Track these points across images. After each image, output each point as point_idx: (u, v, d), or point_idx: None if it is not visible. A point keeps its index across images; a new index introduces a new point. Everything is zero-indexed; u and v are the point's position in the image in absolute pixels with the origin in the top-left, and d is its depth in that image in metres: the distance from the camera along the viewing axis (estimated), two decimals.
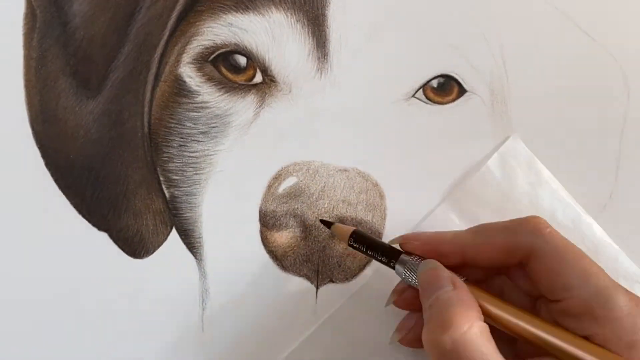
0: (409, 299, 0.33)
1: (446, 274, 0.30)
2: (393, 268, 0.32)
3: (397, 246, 0.33)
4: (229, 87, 0.35)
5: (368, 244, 0.33)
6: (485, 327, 0.28)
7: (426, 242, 0.32)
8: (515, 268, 0.31)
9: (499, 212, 0.35)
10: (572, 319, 0.29)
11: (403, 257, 0.32)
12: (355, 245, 0.33)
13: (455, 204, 0.36)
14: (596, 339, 0.28)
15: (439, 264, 0.31)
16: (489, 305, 0.30)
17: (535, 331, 0.29)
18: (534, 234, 0.30)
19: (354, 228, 0.34)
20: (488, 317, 0.29)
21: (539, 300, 0.31)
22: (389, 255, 0.32)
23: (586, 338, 0.29)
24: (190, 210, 0.36)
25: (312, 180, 0.36)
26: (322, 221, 0.35)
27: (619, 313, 0.28)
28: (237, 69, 0.35)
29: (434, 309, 0.29)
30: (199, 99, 0.35)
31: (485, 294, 0.30)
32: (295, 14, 0.35)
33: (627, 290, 0.29)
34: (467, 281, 0.30)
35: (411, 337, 0.33)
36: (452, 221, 0.36)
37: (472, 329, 0.27)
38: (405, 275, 0.32)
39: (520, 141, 0.36)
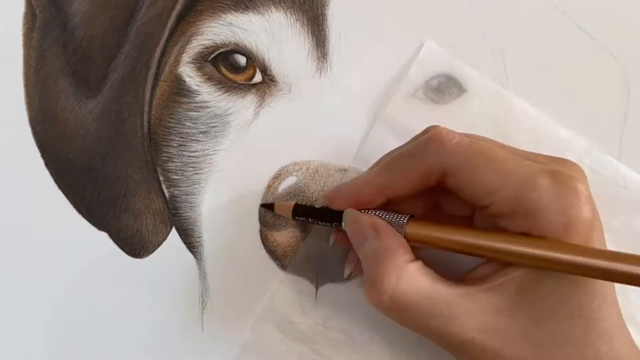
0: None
1: (365, 222, 0.29)
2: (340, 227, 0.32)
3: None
4: (228, 86, 0.35)
5: (311, 214, 0.33)
6: (415, 266, 0.27)
7: (347, 194, 0.31)
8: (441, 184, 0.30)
9: (428, 121, 0.33)
10: (506, 220, 0.28)
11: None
12: (299, 218, 0.33)
13: (387, 122, 0.35)
14: (534, 231, 0.27)
15: (357, 212, 0.30)
16: (421, 231, 0.29)
17: (469, 240, 0.28)
18: (438, 153, 0.28)
19: (295, 202, 0.34)
20: (421, 243, 0.29)
21: (476, 208, 0.30)
22: (331, 218, 0.32)
23: (526, 233, 0.27)
24: (190, 209, 0.36)
25: (312, 180, 0.36)
26: (263, 205, 0.35)
27: (545, 200, 0.26)
28: (236, 68, 0.35)
29: (364, 264, 0.29)
30: (199, 98, 0.35)
31: (415, 223, 0.29)
32: (294, 14, 0.35)
33: (549, 171, 0.27)
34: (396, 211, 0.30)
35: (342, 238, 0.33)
36: (388, 140, 0.35)
37: (401, 278, 0.27)
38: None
39: (435, 45, 0.36)
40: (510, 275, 0.27)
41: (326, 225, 0.32)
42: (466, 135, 0.29)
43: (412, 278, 0.27)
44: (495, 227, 0.29)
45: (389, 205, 0.31)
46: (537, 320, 0.26)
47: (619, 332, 0.27)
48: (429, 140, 0.29)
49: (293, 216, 0.33)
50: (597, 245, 0.27)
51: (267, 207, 0.35)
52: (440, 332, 0.27)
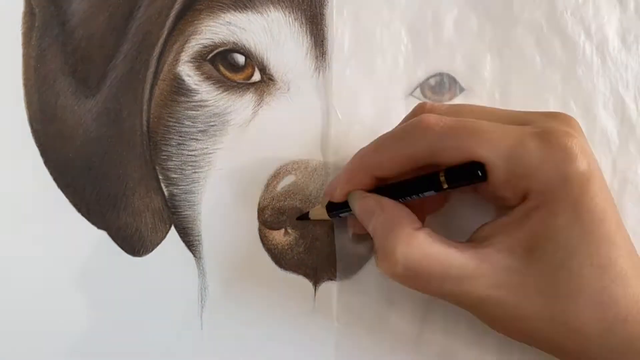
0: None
1: (369, 198, 0.30)
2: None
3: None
4: (227, 85, 0.36)
5: (336, 209, 0.33)
6: (424, 233, 0.28)
7: (341, 183, 0.32)
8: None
9: None
10: (503, 188, 0.28)
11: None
12: (334, 214, 0.34)
13: None
14: (532, 193, 0.27)
15: (360, 192, 0.31)
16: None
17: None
18: (426, 139, 0.28)
19: (326, 204, 0.34)
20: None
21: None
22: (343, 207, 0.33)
23: (525, 197, 0.27)
24: (189, 208, 0.36)
25: (311, 179, 0.36)
26: (298, 218, 0.35)
27: (536, 161, 0.27)
28: (235, 67, 0.35)
29: (375, 239, 0.29)
30: (198, 97, 0.36)
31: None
32: (293, 13, 0.35)
33: (536, 132, 0.27)
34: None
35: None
36: None
37: (412, 245, 0.28)
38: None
39: None
40: (517, 233, 0.27)
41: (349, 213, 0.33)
42: (452, 109, 0.30)
43: (422, 244, 0.28)
44: (496, 196, 0.29)
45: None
46: (549, 274, 0.27)
47: (632, 272, 0.26)
48: (416, 127, 0.29)
49: (329, 214, 0.34)
50: (598, 194, 0.26)
51: (303, 218, 0.35)
52: (455, 293, 0.28)
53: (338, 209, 0.33)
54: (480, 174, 0.27)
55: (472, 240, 0.29)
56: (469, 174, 0.28)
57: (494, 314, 0.28)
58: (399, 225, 0.28)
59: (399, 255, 0.27)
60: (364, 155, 0.31)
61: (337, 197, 0.32)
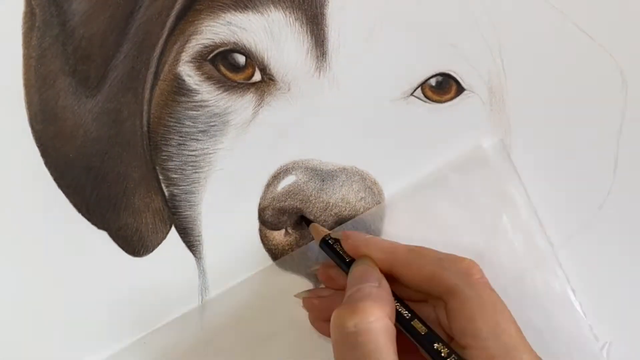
0: (332, 275, 0.35)
1: (377, 273, 0.31)
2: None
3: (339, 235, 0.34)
4: (228, 85, 0.36)
5: (335, 253, 0.33)
6: (391, 327, 0.28)
7: (363, 244, 0.32)
8: (437, 301, 0.31)
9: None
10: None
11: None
12: (324, 248, 0.34)
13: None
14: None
15: (374, 265, 0.31)
16: (403, 311, 0.30)
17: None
18: (461, 276, 0.30)
19: (328, 233, 0.34)
20: (400, 324, 0.30)
21: (452, 342, 0.31)
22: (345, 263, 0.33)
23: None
24: (190, 208, 0.36)
25: (311, 179, 0.36)
26: (302, 217, 0.36)
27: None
28: (236, 67, 0.35)
29: (352, 296, 0.29)
30: (198, 97, 0.36)
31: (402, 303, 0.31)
32: (294, 13, 0.35)
33: (532, 352, 0.29)
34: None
35: (317, 304, 0.34)
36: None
37: (378, 322, 0.28)
38: None
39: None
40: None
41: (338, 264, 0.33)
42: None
43: (385, 331, 0.28)
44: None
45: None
46: None
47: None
48: (460, 261, 0.31)
49: (319, 244, 0.34)
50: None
51: (304, 220, 0.36)
52: None
53: (334, 254, 0.33)
54: None
55: None
56: None
57: None
58: (384, 304, 0.29)
59: (363, 318, 0.28)
60: (396, 246, 0.32)
61: (350, 248, 0.33)
